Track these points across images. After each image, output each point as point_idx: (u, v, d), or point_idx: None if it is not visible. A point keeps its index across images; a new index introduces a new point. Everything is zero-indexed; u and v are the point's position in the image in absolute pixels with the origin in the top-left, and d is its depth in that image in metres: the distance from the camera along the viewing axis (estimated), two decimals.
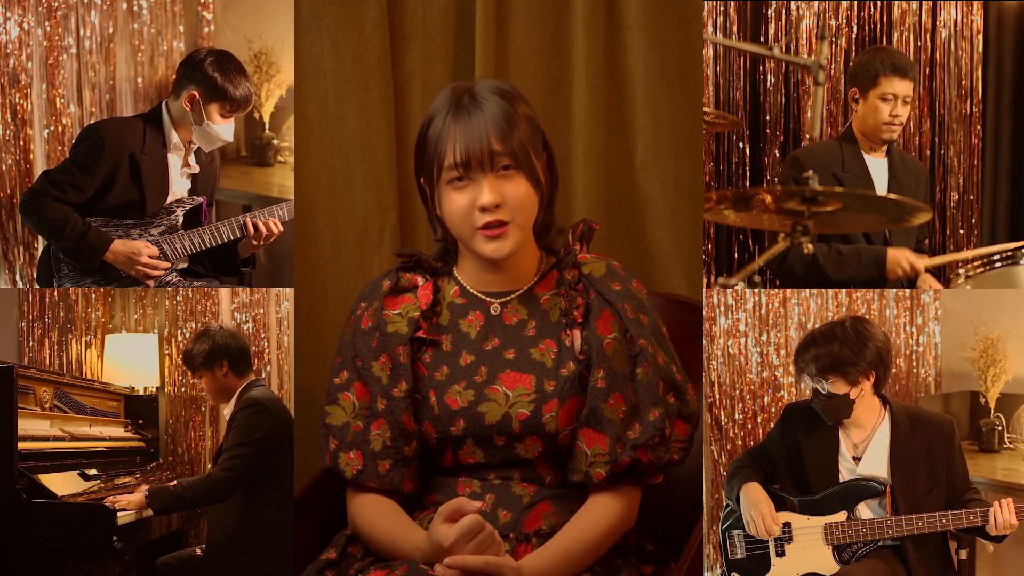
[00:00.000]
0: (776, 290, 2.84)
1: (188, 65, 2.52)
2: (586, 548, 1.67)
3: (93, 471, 2.66)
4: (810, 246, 1.76)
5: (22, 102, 2.60)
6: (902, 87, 2.65)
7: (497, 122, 1.65)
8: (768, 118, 2.97)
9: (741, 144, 2.97)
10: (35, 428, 2.58)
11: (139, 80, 2.71)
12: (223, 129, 2.53)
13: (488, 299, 1.77)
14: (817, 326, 2.40)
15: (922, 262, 2.63)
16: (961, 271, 2.56)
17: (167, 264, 2.52)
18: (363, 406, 1.74)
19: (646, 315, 1.75)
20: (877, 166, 2.71)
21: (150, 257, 2.50)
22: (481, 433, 1.69)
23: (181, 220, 2.57)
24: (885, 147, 2.72)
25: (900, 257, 2.61)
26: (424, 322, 1.74)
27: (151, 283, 2.52)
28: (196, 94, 2.49)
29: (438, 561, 1.55)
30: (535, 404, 1.68)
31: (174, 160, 2.57)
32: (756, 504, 2.28)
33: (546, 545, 1.65)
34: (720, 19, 2.95)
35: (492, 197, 1.64)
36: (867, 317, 2.62)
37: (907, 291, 2.80)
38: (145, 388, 3.07)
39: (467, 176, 1.65)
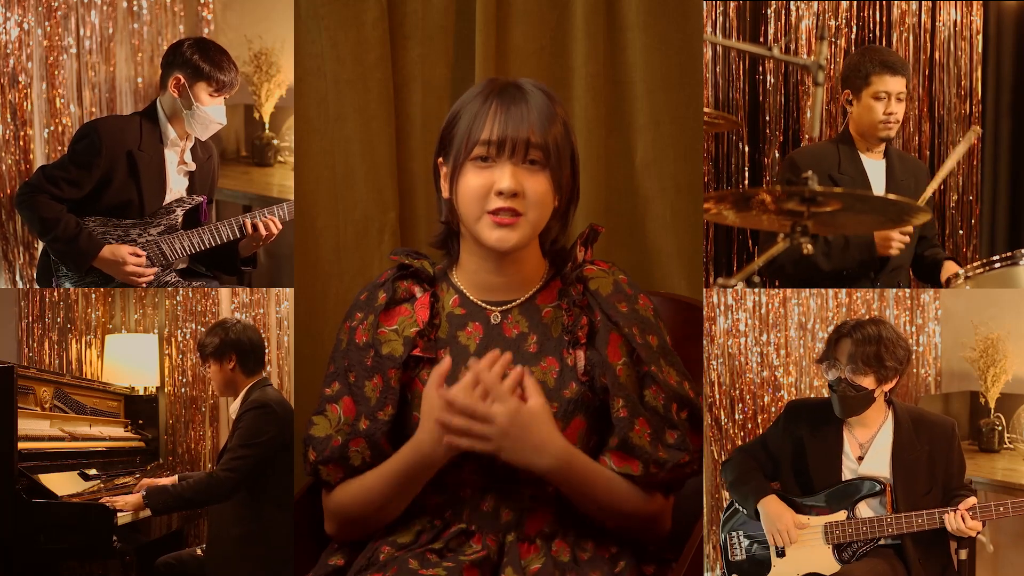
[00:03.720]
0: (776, 290, 2.84)
1: (169, 54, 2.54)
2: (611, 490, 1.67)
3: (93, 471, 2.66)
4: (809, 247, 1.76)
5: (22, 102, 2.61)
6: (894, 84, 2.65)
7: (540, 115, 1.65)
8: (768, 118, 2.97)
9: (741, 144, 2.97)
10: (35, 428, 2.58)
11: (139, 80, 2.71)
12: (214, 111, 2.53)
13: (488, 307, 1.75)
14: (846, 320, 2.39)
15: (907, 228, 2.61)
16: (961, 271, 2.57)
17: (153, 270, 2.52)
18: (347, 422, 1.72)
19: (654, 335, 1.73)
20: (874, 167, 2.71)
21: (136, 264, 2.49)
22: (482, 455, 1.67)
23: (181, 220, 2.57)
24: (883, 148, 2.72)
25: (887, 232, 2.60)
26: (421, 340, 1.72)
27: (143, 283, 2.52)
28: (180, 77, 2.50)
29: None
30: None
31: (171, 157, 2.57)
32: (779, 518, 2.28)
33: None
34: (720, 19, 2.95)
35: (511, 184, 1.62)
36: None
37: (907, 291, 2.80)
38: (145, 388, 3.07)
39: (494, 158, 1.64)
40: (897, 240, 2.60)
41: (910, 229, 2.62)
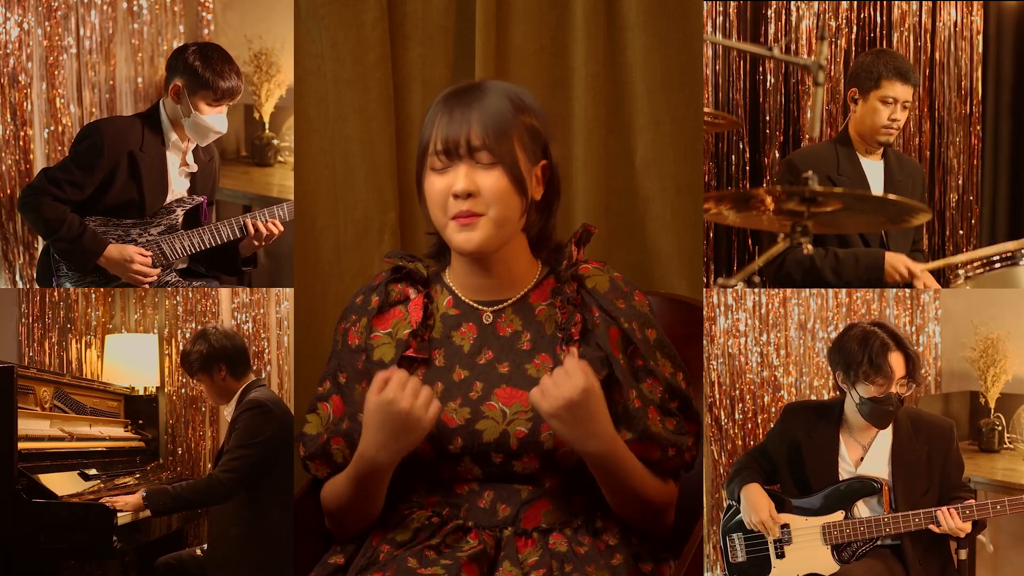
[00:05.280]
0: (776, 290, 2.84)
1: (173, 58, 2.53)
2: (642, 477, 1.69)
3: (93, 471, 2.66)
4: (809, 246, 1.76)
5: (22, 102, 2.61)
6: (903, 91, 2.65)
7: (483, 117, 1.65)
8: (768, 118, 2.97)
9: (741, 144, 2.97)
10: (35, 428, 2.58)
11: (139, 80, 2.71)
12: (213, 120, 2.52)
13: (481, 308, 1.76)
14: (872, 330, 2.31)
15: (919, 266, 2.62)
16: (960, 271, 2.57)
17: (157, 271, 2.52)
18: (334, 420, 1.75)
19: (652, 329, 1.76)
20: (873, 168, 2.71)
21: (143, 264, 2.50)
22: (479, 451, 1.69)
23: (181, 220, 2.57)
24: (881, 149, 2.72)
25: (897, 262, 2.61)
26: (414, 340, 1.73)
27: (147, 283, 2.52)
28: (180, 84, 2.49)
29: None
30: (532, 422, 1.67)
31: (172, 159, 2.57)
32: (756, 507, 2.28)
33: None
34: (720, 19, 2.95)
35: (465, 184, 1.63)
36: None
37: (907, 291, 2.80)
38: (145, 388, 3.07)
39: (448, 163, 1.66)
40: (903, 276, 2.60)
41: (919, 272, 2.61)
